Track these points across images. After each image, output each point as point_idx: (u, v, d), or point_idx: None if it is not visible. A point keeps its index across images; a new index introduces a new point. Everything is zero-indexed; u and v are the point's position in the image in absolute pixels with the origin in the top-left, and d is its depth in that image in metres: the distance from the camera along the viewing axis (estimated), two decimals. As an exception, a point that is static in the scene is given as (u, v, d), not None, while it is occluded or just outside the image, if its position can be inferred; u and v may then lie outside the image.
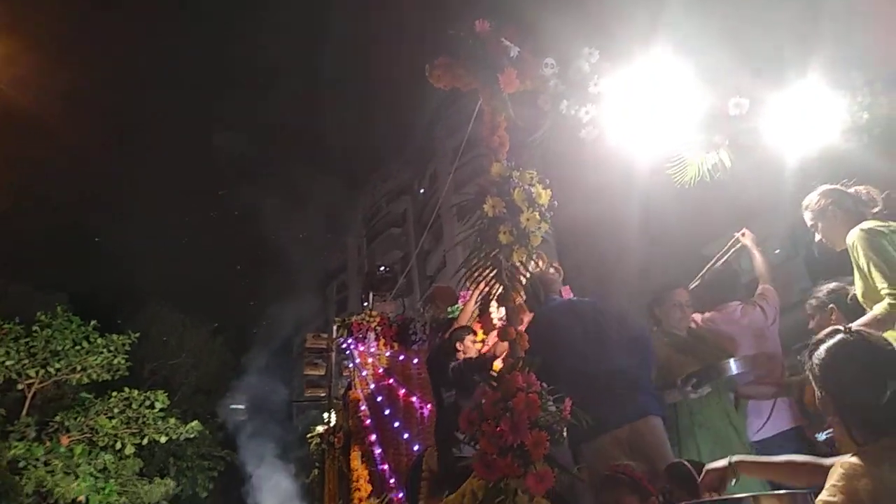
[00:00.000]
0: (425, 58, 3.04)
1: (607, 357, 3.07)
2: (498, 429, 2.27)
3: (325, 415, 8.74)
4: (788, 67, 3.58)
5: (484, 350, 5.15)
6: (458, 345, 4.67)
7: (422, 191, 41.92)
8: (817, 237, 3.16)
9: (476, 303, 5.66)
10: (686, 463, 2.54)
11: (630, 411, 2.95)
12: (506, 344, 2.92)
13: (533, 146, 3.13)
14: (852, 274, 3.50)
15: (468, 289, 6.48)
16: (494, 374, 2.56)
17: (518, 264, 2.64)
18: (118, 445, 14.05)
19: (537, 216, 2.68)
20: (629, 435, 2.91)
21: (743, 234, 4.25)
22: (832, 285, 3.29)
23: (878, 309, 2.60)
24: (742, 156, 3.59)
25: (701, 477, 1.96)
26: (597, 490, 2.38)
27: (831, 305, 3.17)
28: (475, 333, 5.09)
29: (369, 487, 5.04)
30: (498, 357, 4.22)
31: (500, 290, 2.69)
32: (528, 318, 3.21)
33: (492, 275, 2.65)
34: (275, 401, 34.13)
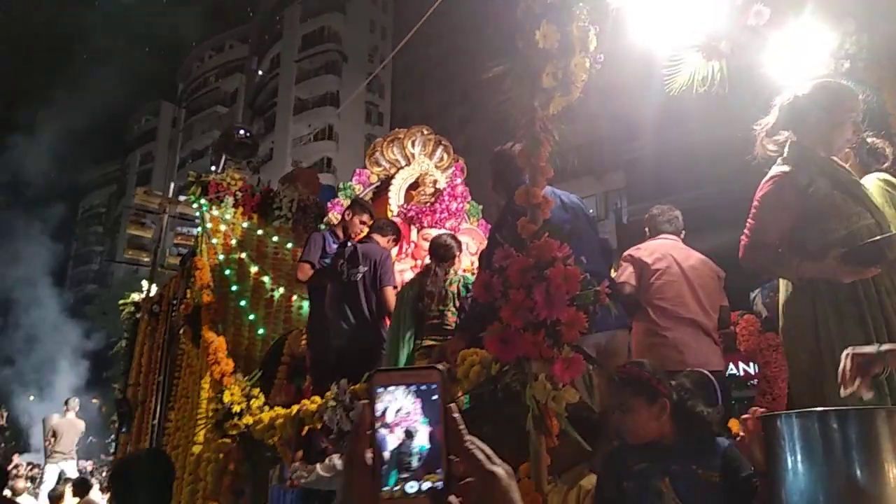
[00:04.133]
0: None
1: (593, 258, 2.77)
2: (530, 301, 1.84)
3: (145, 282, 7.62)
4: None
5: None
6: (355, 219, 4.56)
7: (260, 73, 38.39)
8: None
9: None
10: (706, 372, 2.34)
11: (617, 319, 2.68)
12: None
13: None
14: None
15: (364, 168, 5.89)
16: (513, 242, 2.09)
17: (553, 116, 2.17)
18: None
19: (587, 63, 2.21)
20: (608, 342, 2.66)
21: None
22: None
23: None
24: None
25: (843, 362, 1.69)
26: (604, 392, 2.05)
27: None
28: (371, 217, 4.66)
29: (231, 362, 4.37)
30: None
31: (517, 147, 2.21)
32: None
33: (524, 122, 2.15)
34: (50, 263, 31.18)
